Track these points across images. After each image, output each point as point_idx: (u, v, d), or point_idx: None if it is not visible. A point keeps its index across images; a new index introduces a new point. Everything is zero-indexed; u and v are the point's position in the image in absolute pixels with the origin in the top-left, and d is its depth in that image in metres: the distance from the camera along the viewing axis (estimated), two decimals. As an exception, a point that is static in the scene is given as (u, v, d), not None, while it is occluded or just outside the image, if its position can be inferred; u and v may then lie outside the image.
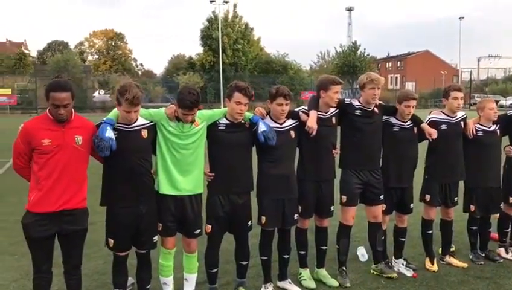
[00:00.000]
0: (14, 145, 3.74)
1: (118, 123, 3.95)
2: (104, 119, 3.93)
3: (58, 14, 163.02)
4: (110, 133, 3.80)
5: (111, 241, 4.06)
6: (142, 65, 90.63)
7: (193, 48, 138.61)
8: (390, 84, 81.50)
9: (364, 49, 68.55)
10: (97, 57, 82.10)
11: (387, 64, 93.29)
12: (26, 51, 78.33)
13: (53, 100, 3.58)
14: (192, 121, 4.14)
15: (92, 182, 4.06)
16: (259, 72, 62.41)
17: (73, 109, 3.76)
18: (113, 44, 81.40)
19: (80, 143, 3.75)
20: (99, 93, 57.97)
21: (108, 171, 4.02)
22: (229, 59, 57.73)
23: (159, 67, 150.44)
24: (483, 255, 5.65)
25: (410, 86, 71.33)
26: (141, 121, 4.05)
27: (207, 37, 58.87)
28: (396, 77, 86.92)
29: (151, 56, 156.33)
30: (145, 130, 4.04)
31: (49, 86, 3.64)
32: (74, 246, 3.86)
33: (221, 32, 55.09)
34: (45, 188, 3.64)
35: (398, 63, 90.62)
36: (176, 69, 63.32)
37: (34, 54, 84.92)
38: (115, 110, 4.00)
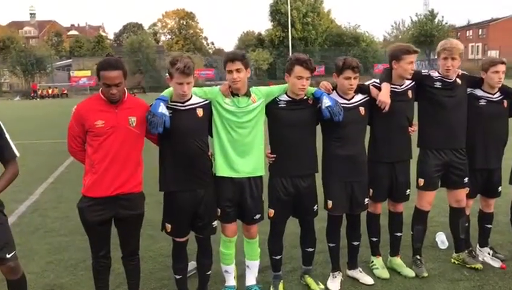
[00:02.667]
0: (68, 127, 3.64)
1: (172, 102, 3.75)
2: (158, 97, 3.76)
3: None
4: (163, 109, 3.60)
5: (168, 226, 3.90)
6: (213, 43, 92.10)
7: (262, 25, 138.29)
8: (470, 54, 76.72)
9: (442, 17, 65.09)
10: (170, 37, 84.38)
11: (467, 32, 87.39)
12: (103, 34, 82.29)
13: (104, 79, 3.42)
14: (249, 95, 3.87)
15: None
16: (329, 46, 61.11)
17: (126, 89, 3.59)
18: (184, 23, 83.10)
19: (134, 125, 3.58)
20: (172, 73, 59.50)
21: (164, 153, 3.84)
22: (298, 33, 56.90)
23: (229, 45, 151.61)
24: None
25: (493, 54, 66.68)
26: (196, 99, 3.83)
27: (276, 12, 58.36)
28: (478, 46, 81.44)
29: (222, 34, 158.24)
30: (201, 109, 3.81)
31: (99, 65, 3.48)
32: (131, 231, 3.74)
33: (290, 6, 54.22)
34: (99, 171, 3.51)
35: (480, 30, 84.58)
36: (245, 46, 63.49)
37: (111, 36, 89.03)
38: (169, 89, 3.81)
